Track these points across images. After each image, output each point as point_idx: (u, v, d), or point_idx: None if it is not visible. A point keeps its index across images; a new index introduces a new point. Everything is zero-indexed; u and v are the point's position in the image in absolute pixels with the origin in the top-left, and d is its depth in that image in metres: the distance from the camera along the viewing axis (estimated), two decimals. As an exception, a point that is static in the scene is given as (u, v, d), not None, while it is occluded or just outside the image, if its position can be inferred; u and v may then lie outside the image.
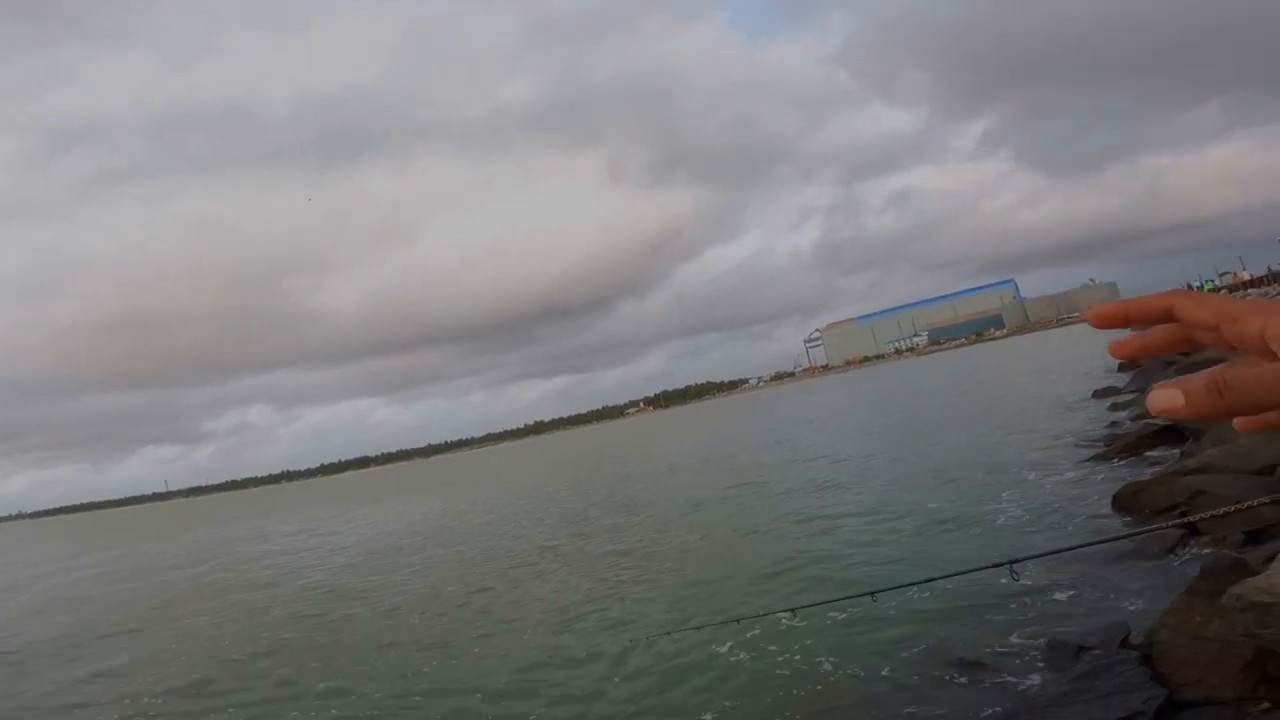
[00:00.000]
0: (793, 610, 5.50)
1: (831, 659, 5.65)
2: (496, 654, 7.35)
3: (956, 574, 5.20)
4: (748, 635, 6.20)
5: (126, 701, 7.61)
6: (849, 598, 5.71)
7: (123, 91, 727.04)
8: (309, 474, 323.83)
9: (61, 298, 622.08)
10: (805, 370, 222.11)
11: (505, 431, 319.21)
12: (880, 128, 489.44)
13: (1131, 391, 18.83)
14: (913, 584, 5.59)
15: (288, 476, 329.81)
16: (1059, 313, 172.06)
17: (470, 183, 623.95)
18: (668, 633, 6.16)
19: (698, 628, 6.19)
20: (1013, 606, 5.91)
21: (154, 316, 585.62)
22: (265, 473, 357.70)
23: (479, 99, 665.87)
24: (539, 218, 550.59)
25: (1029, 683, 4.71)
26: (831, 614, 6.34)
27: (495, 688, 6.40)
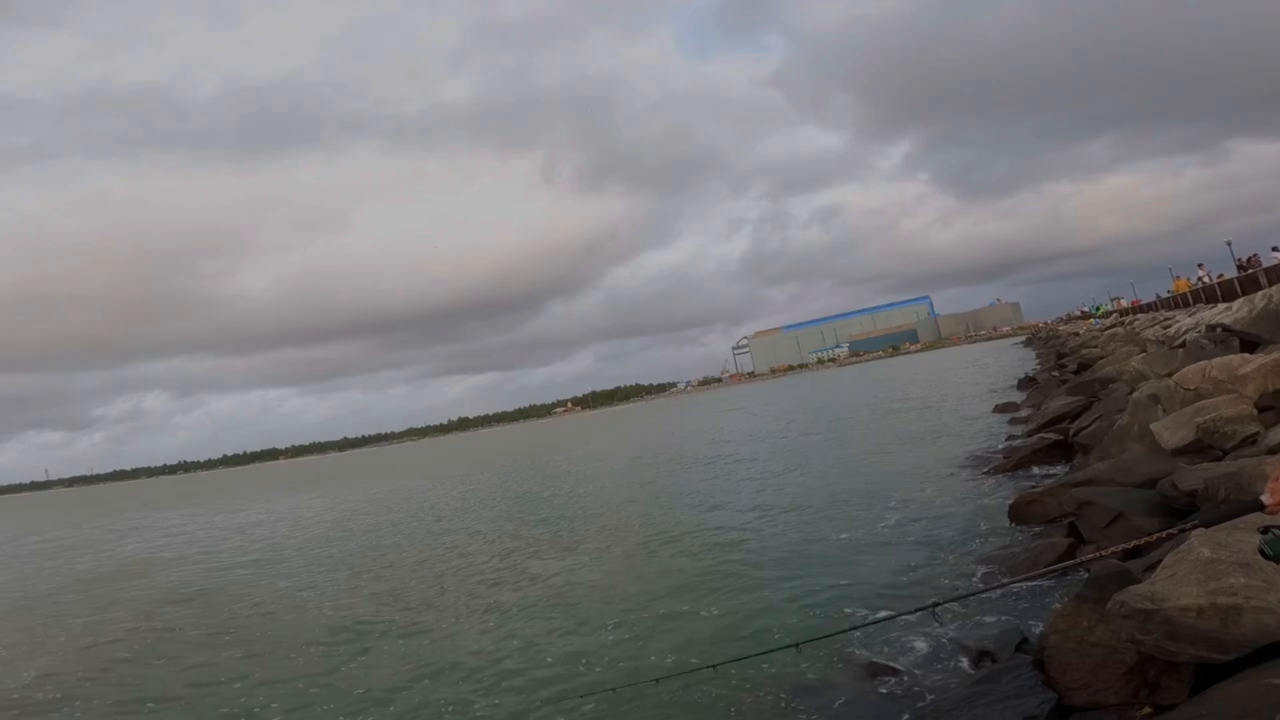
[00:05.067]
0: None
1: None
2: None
3: (877, 621, 5.42)
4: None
5: None
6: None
7: (40, 73, 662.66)
8: (210, 465, 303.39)
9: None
10: (732, 377, 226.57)
11: (427, 427, 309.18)
12: (810, 146, 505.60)
13: (1029, 407, 20.26)
14: (837, 633, 5.42)
15: (185, 467, 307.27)
16: (968, 329, 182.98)
17: (401, 176, 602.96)
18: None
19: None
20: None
21: (46, 296, 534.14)
22: (160, 463, 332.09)
23: (417, 95, 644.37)
24: (470, 214, 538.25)
25: (933, 685, 4.88)
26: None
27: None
